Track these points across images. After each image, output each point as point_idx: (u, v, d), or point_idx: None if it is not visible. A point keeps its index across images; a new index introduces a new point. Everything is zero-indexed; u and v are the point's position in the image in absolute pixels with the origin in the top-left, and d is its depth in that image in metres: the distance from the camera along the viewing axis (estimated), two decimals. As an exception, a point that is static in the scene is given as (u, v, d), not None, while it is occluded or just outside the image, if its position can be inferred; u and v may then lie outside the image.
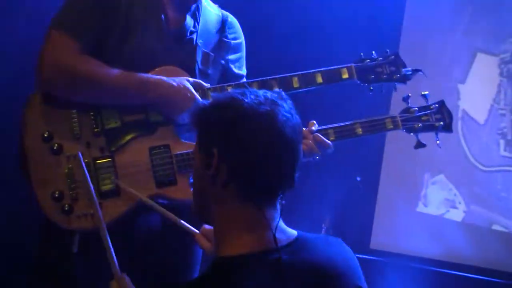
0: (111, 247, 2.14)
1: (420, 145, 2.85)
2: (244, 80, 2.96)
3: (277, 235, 1.81)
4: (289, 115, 1.83)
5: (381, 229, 4.37)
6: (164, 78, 2.68)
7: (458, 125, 4.13)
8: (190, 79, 2.72)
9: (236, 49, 2.97)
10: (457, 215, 4.16)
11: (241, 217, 1.82)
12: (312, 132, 2.72)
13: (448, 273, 4.09)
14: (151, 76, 2.68)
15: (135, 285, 2.08)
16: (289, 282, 1.77)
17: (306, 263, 1.83)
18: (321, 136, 2.72)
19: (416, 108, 2.85)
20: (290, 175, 1.84)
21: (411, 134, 2.85)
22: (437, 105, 2.87)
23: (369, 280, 1.96)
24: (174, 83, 2.67)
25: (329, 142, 2.73)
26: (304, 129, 2.70)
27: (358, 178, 4.44)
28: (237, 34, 2.99)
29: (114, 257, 2.12)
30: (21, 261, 2.93)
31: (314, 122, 2.76)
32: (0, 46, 3.80)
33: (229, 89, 2.64)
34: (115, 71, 2.64)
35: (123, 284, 2.04)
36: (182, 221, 2.33)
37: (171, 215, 2.35)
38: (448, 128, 2.86)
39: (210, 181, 1.83)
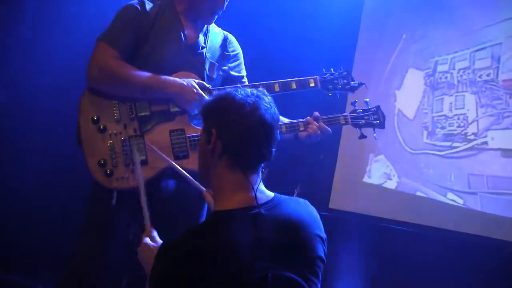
0: (146, 205, 2.11)
1: (362, 136, 2.89)
2: (245, 78, 2.97)
3: (257, 195, 1.81)
4: (268, 106, 1.84)
5: (338, 193, 4.35)
6: (177, 79, 2.68)
7: (394, 120, 4.12)
8: (196, 80, 2.71)
9: (235, 58, 2.96)
10: (391, 184, 4.15)
11: (231, 180, 1.82)
12: (316, 119, 2.76)
13: (385, 226, 4.09)
14: (169, 77, 2.67)
15: (157, 230, 2.07)
16: (266, 231, 1.75)
17: (279, 216, 1.82)
18: (323, 124, 2.76)
19: (361, 110, 2.89)
20: (268, 150, 1.84)
21: (356, 128, 2.87)
22: (374, 109, 2.91)
23: (328, 231, 1.94)
24: (184, 83, 2.67)
25: (329, 129, 2.78)
26: (309, 117, 2.77)
27: (322, 156, 4.43)
28: (235, 47, 2.98)
29: (147, 212, 2.09)
30: (76, 211, 2.90)
31: (317, 113, 2.79)
32: (67, 56, 3.81)
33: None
34: (142, 73, 2.64)
35: (152, 236, 2.03)
36: (194, 180, 2.31)
37: (187, 175, 2.31)
38: (381, 125, 2.92)
39: (210, 153, 1.83)
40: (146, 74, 2.64)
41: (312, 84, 2.86)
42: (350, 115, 2.86)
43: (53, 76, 3.94)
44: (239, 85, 2.84)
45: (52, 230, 3.85)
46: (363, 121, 2.87)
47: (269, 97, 1.88)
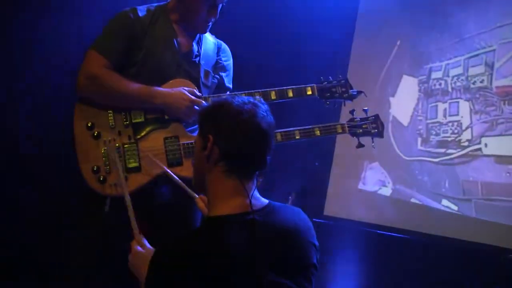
0: (133, 211, 2.10)
1: (360, 145, 2.88)
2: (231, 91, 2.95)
3: (252, 202, 1.82)
4: (265, 114, 1.86)
5: (332, 200, 4.35)
6: (166, 88, 2.68)
7: (389, 127, 4.12)
8: (186, 87, 2.71)
9: (227, 68, 2.96)
10: (386, 191, 4.15)
11: (226, 186, 1.83)
12: None
13: (379, 233, 4.09)
14: (157, 88, 2.67)
15: (149, 237, 2.06)
16: (260, 236, 1.76)
17: (273, 222, 1.83)
18: None
19: (359, 119, 2.87)
20: (263, 158, 1.86)
21: (354, 137, 2.86)
22: (373, 117, 2.90)
23: (323, 238, 1.95)
24: (173, 91, 2.67)
25: None
26: None
27: (317, 164, 4.44)
28: (228, 57, 2.98)
29: (135, 220, 2.08)
30: (70, 217, 2.90)
31: None
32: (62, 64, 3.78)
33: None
34: (131, 84, 2.64)
35: (140, 241, 2.02)
36: (187, 187, 2.31)
37: (180, 182, 2.33)
38: (380, 135, 2.91)
39: (205, 159, 1.84)
40: (135, 85, 2.64)
41: (309, 92, 2.86)
42: (347, 124, 2.86)
43: (55, 79, 3.91)
44: (235, 92, 2.85)
45: (44, 236, 3.81)
46: (361, 130, 2.86)
47: (266, 106, 1.89)
